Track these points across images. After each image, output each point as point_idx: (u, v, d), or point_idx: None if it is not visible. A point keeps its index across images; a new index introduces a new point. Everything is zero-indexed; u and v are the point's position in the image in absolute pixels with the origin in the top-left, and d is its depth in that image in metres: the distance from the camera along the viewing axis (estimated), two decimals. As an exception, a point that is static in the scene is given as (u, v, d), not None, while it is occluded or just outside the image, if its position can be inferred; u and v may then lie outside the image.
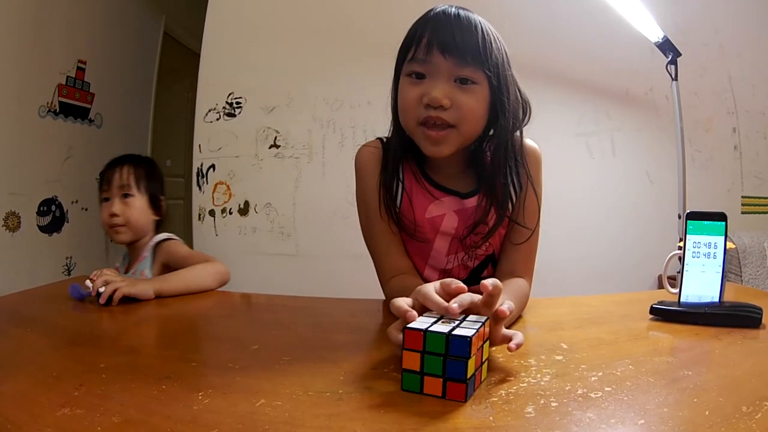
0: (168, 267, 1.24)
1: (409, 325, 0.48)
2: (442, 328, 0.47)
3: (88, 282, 0.88)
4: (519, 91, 0.83)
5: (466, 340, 0.45)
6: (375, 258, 0.90)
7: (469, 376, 0.45)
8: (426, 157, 0.84)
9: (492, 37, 0.78)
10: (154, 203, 1.34)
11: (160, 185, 1.38)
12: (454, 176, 0.87)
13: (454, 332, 0.45)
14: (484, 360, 0.50)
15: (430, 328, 0.46)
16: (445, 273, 0.89)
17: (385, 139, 0.91)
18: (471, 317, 0.51)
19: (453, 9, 0.78)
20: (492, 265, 0.90)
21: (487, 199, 0.83)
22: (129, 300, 0.88)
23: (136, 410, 0.44)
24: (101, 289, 0.85)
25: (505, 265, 0.87)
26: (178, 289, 0.95)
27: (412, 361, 0.47)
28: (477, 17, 0.79)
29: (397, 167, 0.87)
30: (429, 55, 0.76)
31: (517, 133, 0.84)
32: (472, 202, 0.85)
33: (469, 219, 0.85)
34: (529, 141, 0.88)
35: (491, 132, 0.82)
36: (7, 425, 0.41)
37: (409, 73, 0.79)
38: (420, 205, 0.86)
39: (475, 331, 0.46)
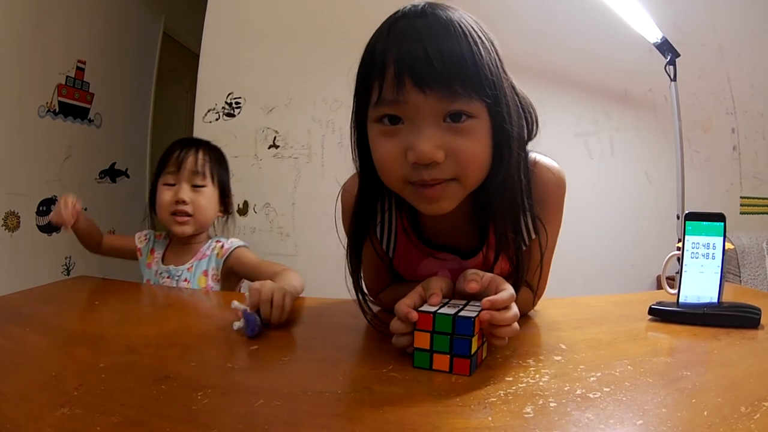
0: (234, 273, 1.15)
1: (420, 309, 0.54)
2: (448, 310, 0.53)
3: (236, 304, 0.69)
4: (520, 101, 0.63)
5: (470, 321, 0.51)
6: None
7: (472, 352, 0.52)
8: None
9: (479, 38, 0.57)
10: (223, 198, 1.22)
11: (228, 180, 1.25)
12: (454, 225, 0.70)
13: (460, 314, 0.52)
14: (484, 340, 0.56)
15: (438, 311, 0.53)
16: None
17: None
18: (473, 302, 0.56)
19: (419, 7, 0.58)
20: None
21: (495, 252, 0.66)
22: (127, 299, 0.88)
23: (136, 410, 0.44)
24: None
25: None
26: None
27: (422, 340, 0.53)
28: (453, 14, 0.57)
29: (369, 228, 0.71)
30: (401, 93, 0.55)
31: (531, 155, 0.67)
32: (474, 261, 0.71)
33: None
34: (545, 162, 0.69)
35: (493, 170, 0.61)
36: (6, 425, 0.41)
37: (378, 119, 0.58)
38: (413, 260, 0.75)
39: (477, 313, 0.53)
